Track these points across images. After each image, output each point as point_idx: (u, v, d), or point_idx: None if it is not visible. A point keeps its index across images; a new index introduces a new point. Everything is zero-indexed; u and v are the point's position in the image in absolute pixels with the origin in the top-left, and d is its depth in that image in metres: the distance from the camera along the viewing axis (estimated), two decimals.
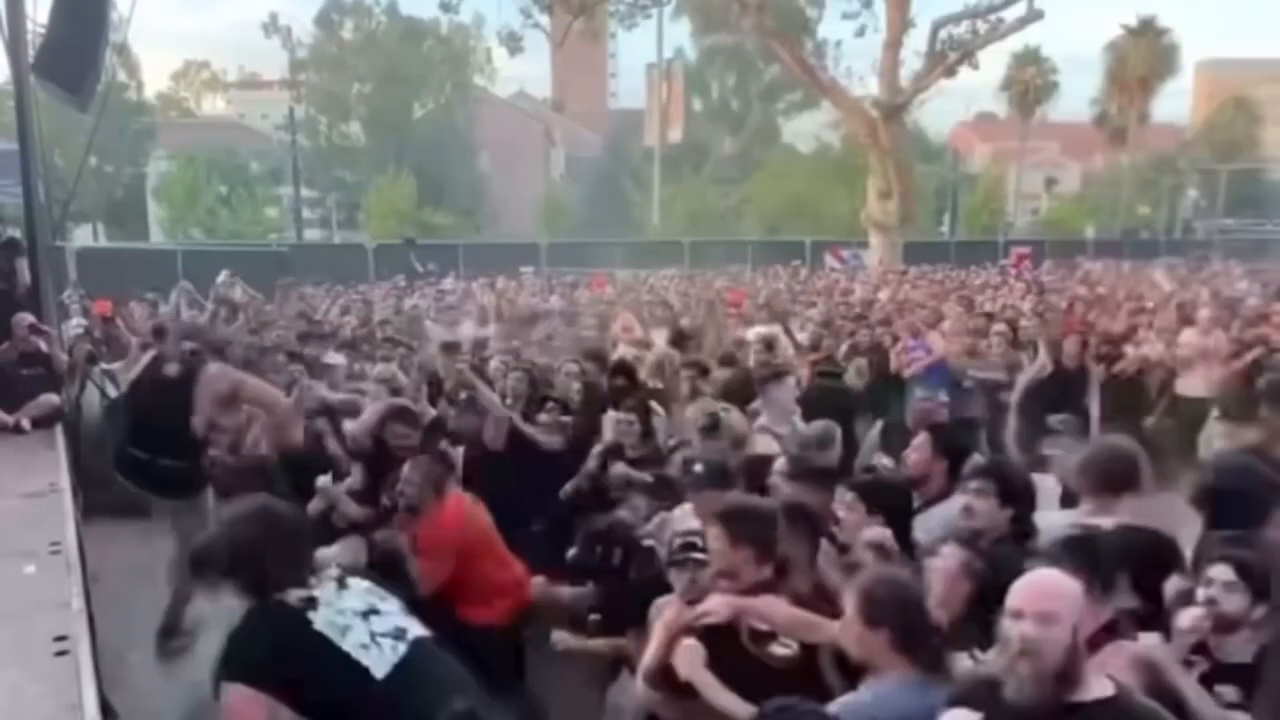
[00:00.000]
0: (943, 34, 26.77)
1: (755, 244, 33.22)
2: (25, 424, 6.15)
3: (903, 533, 3.42)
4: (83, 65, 6.78)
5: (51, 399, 6.43)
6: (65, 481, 5.09)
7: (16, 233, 7.13)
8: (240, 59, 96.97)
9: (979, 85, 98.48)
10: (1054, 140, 61.36)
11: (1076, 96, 54.37)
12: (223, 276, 9.63)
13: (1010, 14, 26.20)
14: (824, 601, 2.96)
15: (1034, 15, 25.82)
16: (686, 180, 48.60)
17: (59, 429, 6.23)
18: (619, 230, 40.69)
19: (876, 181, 26.96)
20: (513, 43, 30.50)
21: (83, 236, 37.06)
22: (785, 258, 27.19)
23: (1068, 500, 4.28)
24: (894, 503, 3.58)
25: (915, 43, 27.14)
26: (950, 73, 27.12)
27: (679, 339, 8.46)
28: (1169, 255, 29.65)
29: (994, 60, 50.85)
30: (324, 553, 3.66)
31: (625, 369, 6.68)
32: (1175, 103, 75.03)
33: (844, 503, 3.54)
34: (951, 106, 54.99)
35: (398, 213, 41.46)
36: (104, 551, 5.33)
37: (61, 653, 2.93)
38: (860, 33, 30.19)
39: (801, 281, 19.54)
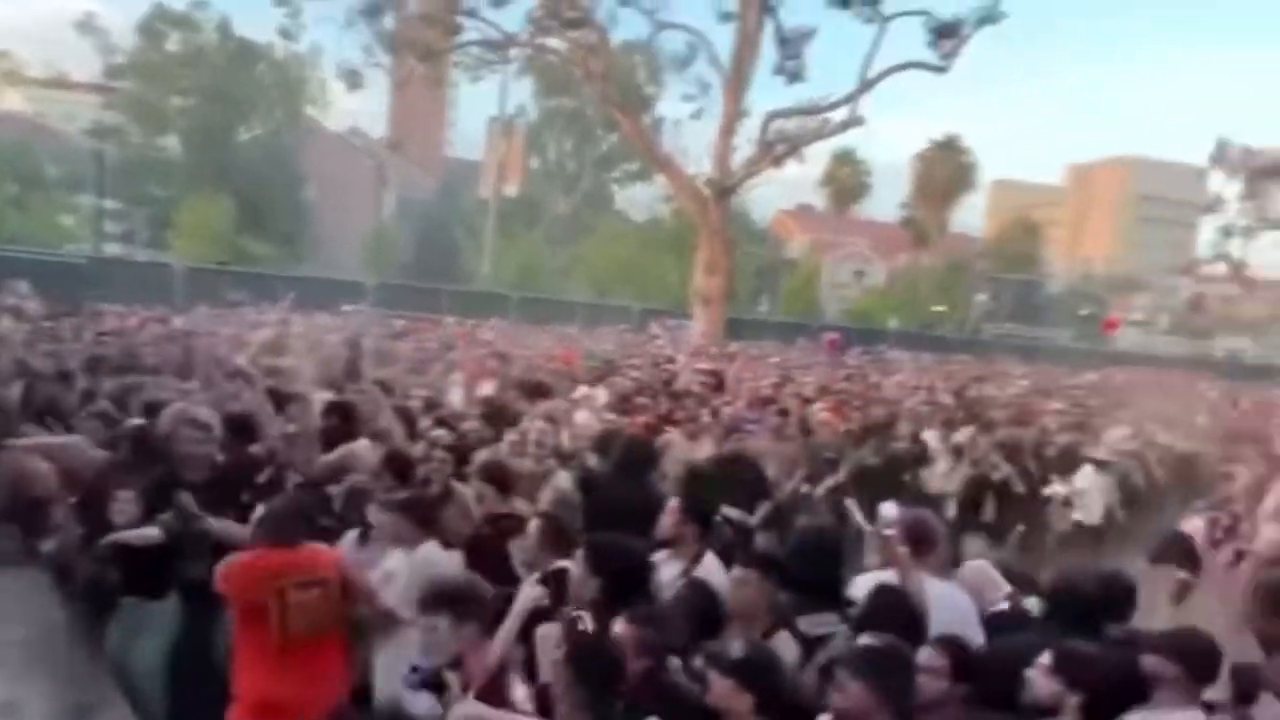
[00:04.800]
0: (774, 126, 28.11)
1: (583, 305, 33.51)
2: None
3: None
4: None
5: None
6: None
7: None
8: (46, 55, 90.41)
9: (801, 177, 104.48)
10: (864, 236, 65.66)
11: (886, 199, 58.82)
12: (23, 287, 8.80)
13: (836, 116, 27.97)
14: None
15: (856, 120, 27.61)
16: (519, 235, 48.70)
17: None
18: (447, 277, 40.08)
19: (704, 257, 27.79)
20: (352, 79, 29.76)
21: None
22: (613, 321, 27.55)
23: None
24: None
25: (748, 130, 28.34)
26: (778, 163, 28.45)
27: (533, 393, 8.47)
28: (961, 353, 32.12)
29: (817, 156, 54.26)
30: None
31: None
32: (970, 215, 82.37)
33: None
34: (775, 194, 58.11)
35: (212, 235, 39.29)
36: None
37: None
38: (697, 115, 31.26)
39: (630, 345, 19.83)
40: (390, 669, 3.96)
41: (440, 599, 3.15)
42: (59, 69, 62.47)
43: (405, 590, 3.98)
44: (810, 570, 3.90)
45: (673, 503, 4.60)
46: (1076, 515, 8.52)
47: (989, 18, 25.49)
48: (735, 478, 6.84)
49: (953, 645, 3.28)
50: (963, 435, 9.05)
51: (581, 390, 10.03)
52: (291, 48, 42.23)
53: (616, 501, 5.59)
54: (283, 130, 49.11)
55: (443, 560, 4.21)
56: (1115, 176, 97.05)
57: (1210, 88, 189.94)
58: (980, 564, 4.50)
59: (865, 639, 3.17)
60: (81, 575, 4.53)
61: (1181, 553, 7.18)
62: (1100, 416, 12.81)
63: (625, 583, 3.56)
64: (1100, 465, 8.56)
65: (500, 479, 5.23)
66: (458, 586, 3.29)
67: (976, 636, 3.84)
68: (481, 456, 5.74)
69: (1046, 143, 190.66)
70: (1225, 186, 43.41)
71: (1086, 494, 8.47)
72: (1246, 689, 3.27)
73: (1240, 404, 19.31)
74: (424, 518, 4.34)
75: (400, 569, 4.16)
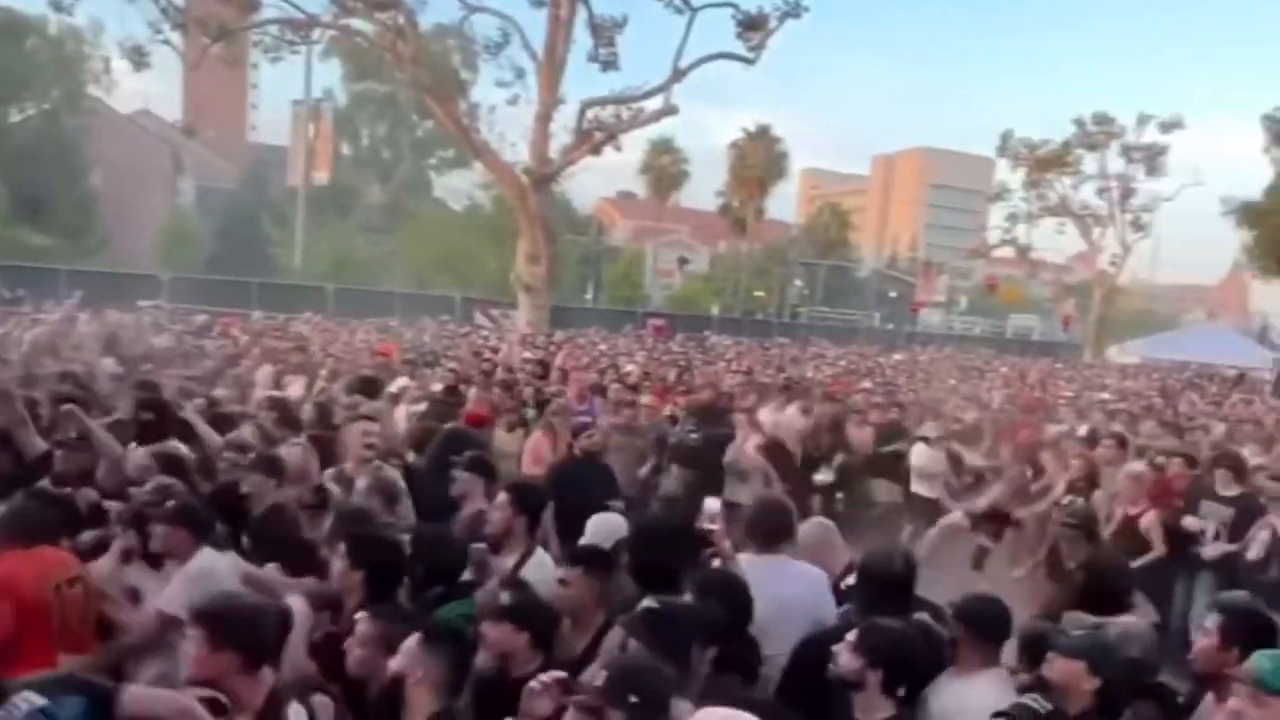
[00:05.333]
0: (590, 114, 27.89)
1: (403, 296, 32.54)
2: None
3: None
4: None
5: None
6: None
7: None
8: None
9: (621, 165, 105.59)
10: (685, 224, 67.03)
11: (705, 187, 60.45)
12: None
13: (650, 105, 28.18)
14: None
15: (670, 109, 27.95)
16: (332, 224, 46.77)
17: None
18: (255, 270, 37.84)
19: (525, 245, 27.42)
20: (137, 57, 27.49)
21: None
22: (434, 311, 26.93)
23: None
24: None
25: (565, 118, 28.00)
26: (596, 151, 28.31)
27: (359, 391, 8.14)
28: (780, 335, 33.31)
29: (636, 144, 54.63)
30: None
31: None
32: (784, 203, 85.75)
33: None
34: (596, 182, 58.28)
35: None
36: None
37: None
38: (513, 101, 30.64)
39: (450, 336, 19.37)
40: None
41: (198, 615, 2.83)
42: None
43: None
44: (652, 559, 3.83)
45: (502, 498, 4.42)
46: (915, 488, 8.95)
47: (792, 12, 26.41)
48: (587, 477, 6.64)
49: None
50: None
51: (400, 383, 9.71)
52: (66, 21, 38.92)
53: (438, 496, 5.42)
54: (61, 112, 45.01)
55: (221, 569, 3.84)
56: (913, 166, 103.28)
57: (1000, 82, 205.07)
58: (818, 520, 4.59)
59: (646, 602, 3.13)
60: None
61: (986, 521, 7.79)
62: (907, 393, 13.58)
63: (385, 576, 3.61)
64: (930, 443, 9.00)
65: (280, 473, 5.00)
66: (219, 605, 2.91)
67: (829, 609, 3.90)
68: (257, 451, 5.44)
69: (850, 132, 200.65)
70: (1010, 176, 46.62)
71: (923, 470, 8.90)
72: (1033, 654, 3.43)
73: (1027, 377, 20.99)
74: (196, 527, 3.96)
75: (179, 588, 3.75)
